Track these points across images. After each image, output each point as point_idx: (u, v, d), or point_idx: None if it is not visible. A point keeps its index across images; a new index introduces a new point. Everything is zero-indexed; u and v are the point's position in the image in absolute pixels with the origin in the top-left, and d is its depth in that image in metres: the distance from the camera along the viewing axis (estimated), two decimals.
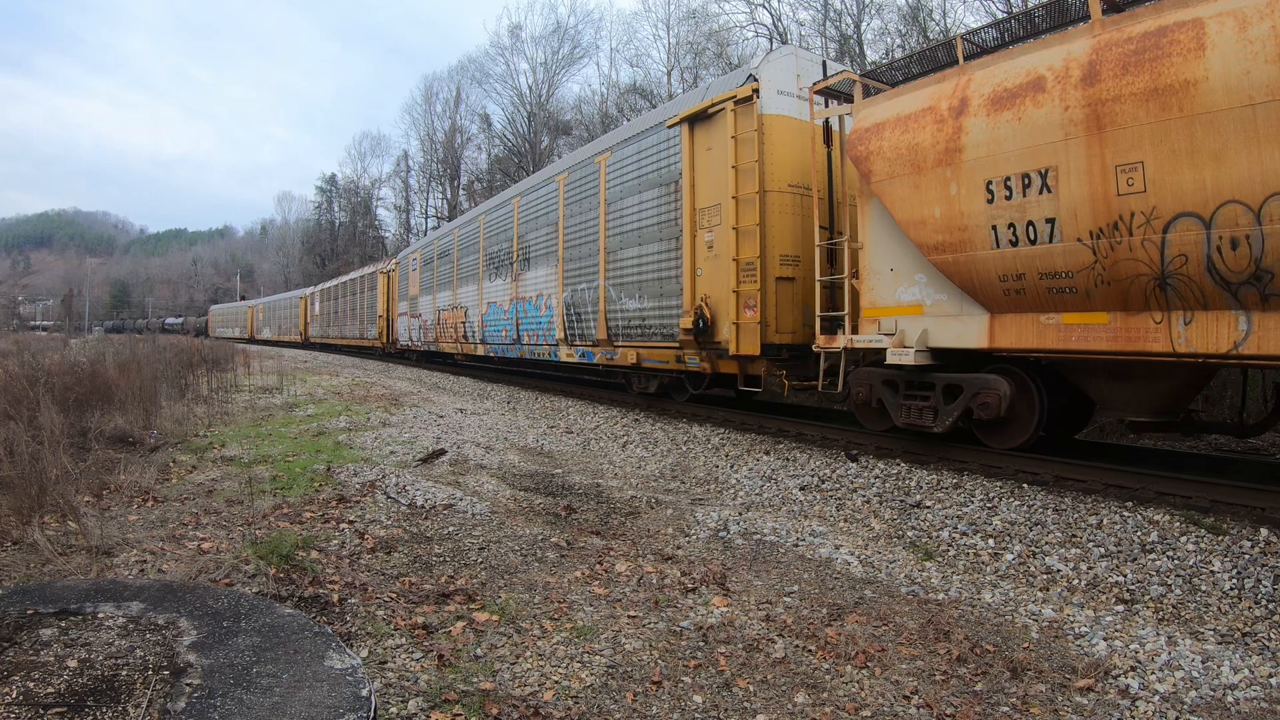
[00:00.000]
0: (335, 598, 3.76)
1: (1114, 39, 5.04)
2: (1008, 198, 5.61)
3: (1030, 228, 5.51)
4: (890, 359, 6.79)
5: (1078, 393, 6.40)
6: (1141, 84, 4.76)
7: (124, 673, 2.67)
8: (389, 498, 5.82)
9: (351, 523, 5.10)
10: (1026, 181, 5.48)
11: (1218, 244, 4.57)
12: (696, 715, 2.91)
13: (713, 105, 8.90)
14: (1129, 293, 5.14)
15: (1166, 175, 4.72)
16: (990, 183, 5.71)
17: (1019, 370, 6.35)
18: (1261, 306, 4.56)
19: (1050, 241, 5.41)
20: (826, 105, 8.04)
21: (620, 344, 11.00)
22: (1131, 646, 3.66)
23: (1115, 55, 4.96)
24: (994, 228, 5.74)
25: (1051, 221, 5.37)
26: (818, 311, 7.85)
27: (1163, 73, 4.66)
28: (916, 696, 3.12)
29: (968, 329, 6.30)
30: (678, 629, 3.68)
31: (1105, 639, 3.75)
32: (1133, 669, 3.43)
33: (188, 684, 2.58)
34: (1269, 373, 6.47)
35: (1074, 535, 5.08)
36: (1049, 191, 5.35)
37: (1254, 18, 4.30)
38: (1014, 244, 5.64)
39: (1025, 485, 6.00)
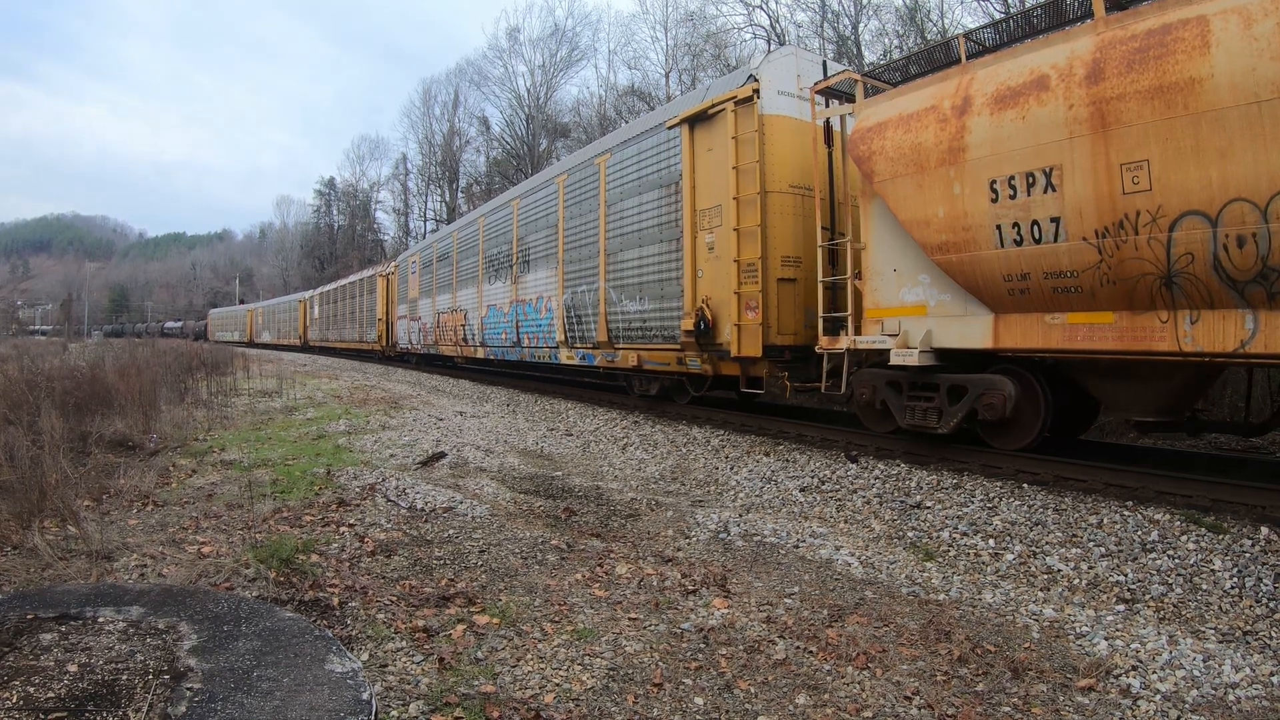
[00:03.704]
0: (336, 601, 3.75)
1: (1118, 37, 5.03)
2: (1012, 197, 5.60)
3: (1035, 227, 5.50)
4: (894, 360, 6.77)
5: (1082, 393, 6.38)
6: (1146, 82, 4.75)
7: (124, 677, 2.66)
8: (389, 501, 5.80)
9: (352, 526, 5.09)
10: (1031, 180, 5.46)
11: (1224, 242, 4.55)
12: (698, 717, 2.90)
13: (713, 106, 8.89)
14: (1135, 292, 5.12)
15: (1172, 173, 4.70)
16: (994, 182, 5.69)
17: (1024, 370, 6.33)
18: (1268, 305, 4.54)
19: (1055, 241, 5.40)
20: (827, 105, 8.02)
21: (621, 346, 10.98)
22: (1133, 646, 3.65)
23: (1119, 53, 4.95)
24: (998, 227, 5.73)
25: (1056, 221, 5.36)
26: (820, 313, 7.83)
27: (1167, 70, 4.65)
28: (918, 697, 3.11)
29: (972, 329, 6.29)
30: (678, 631, 3.67)
31: (1106, 638, 3.74)
32: (1134, 668, 3.42)
33: (188, 688, 2.57)
34: (1274, 372, 6.46)
35: (1074, 535, 5.07)
36: (1053, 190, 5.34)
37: (1259, 14, 4.29)
38: (1018, 244, 5.62)
39: (1025, 485, 5.98)
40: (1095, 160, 5.07)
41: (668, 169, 9.81)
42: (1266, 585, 4.19)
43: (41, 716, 2.38)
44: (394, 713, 2.76)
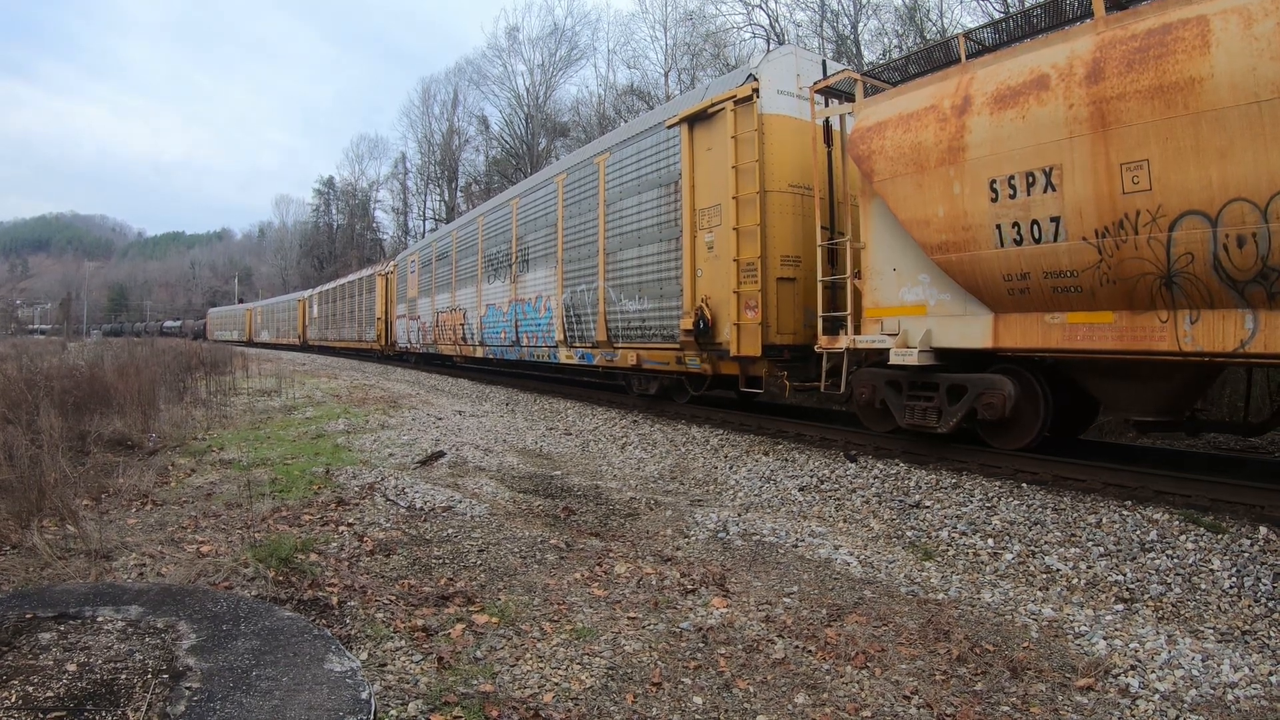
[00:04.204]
0: (335, 600, 3.75)
1: (1118, 36, 5.03)
2: (1012, 196, 5.60)
3: (1035, 227, 5.50)
4: (893, 359, 6.77)
5: (1082, 392, 6.38)
6: (1146, 81, 4.75)
7: (123, 676, 2.65)
8: (388, 500, 5.80)
9: (350, 525, 5.08)
10: (1031, 180, 5.46)
11: (1224, 242, 4.55)
12: (696, 716, 2.90)
13: (712, 105, 8.89)
14: (1135, 291, 5.12)
15: (1172, 173, 4.70)
16: (994, 181, 5.69)
17: (1024, 370, 6.33)
18: (1268, 305, 4.54)
19: (1055, 240, 5.40)
20: (827, 104, 8.02)
21: (620, 345, 10.98)
22: (1131, 645, 3.65)
23: (1119, 53, 4.95)
24: (998, 227, 5.73)
25: (1056, 220, 5.36)
26: (819, 312, 7.83)
27: (1167, 70, 4.65)
28: (917, 696, 3.11)
29: (972, 329, 6.29)
30: (677, 630, 3.66)
31: (1105, 638, 3.74)
32: (1133, 668, 3.42)
33: (187, 687, 2.57)
34: (1274, 372, 6.46)
35: (1073, 534, 5.07)
36: (1053, 190, 5.34)
37: (1259, 14, 4.29)
38: (1018, 243, 5.62)
39: (1024, 485, 5.98)
40: (1095, 160, 5.07)
41: (667, 168, 9.81)
42: (1265, 585, 4.19)
43: (40, 715, 2.38)
44: (393, 712, 2.75)
